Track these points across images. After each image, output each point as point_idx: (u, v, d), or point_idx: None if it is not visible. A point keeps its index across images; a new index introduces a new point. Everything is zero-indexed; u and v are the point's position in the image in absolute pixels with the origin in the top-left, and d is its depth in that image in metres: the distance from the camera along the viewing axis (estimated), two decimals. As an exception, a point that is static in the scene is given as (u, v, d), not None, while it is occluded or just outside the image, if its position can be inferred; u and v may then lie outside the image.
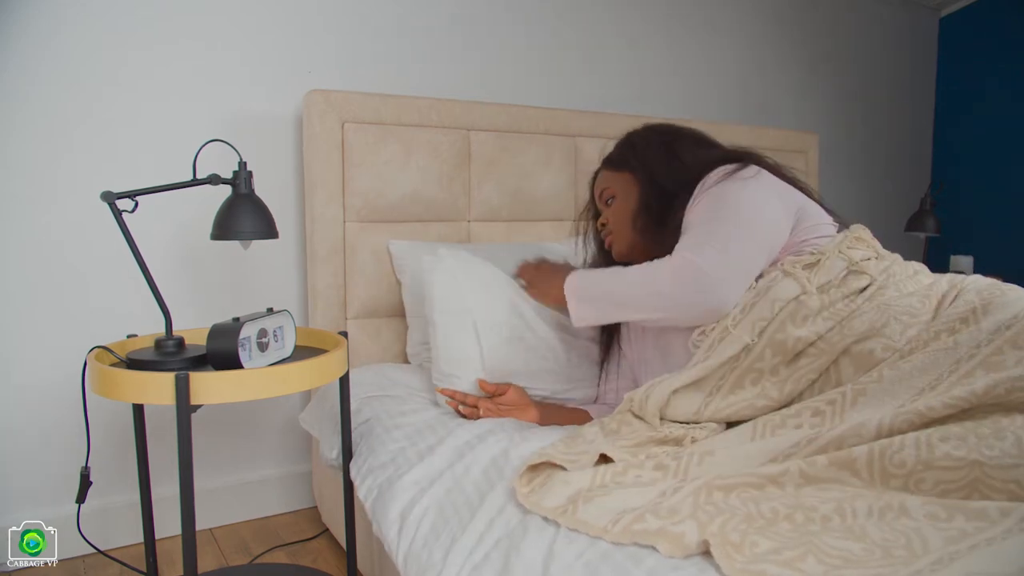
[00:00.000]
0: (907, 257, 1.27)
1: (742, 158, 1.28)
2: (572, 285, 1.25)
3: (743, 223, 1.15)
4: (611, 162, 1.41)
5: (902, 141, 3.19)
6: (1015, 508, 0.74)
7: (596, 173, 1.46)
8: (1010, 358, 0.93)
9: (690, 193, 1.25)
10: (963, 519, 0.75)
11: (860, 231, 1.24)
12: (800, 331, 1.07)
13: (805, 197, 1.27)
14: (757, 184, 1.21)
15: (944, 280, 1.17)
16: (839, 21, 2.89)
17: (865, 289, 1.13)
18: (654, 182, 1.31)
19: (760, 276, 1.16)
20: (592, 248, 1.49)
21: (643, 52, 2.39)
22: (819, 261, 1.14)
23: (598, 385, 1.48)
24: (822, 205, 1.29)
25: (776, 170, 1.29)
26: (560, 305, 1.30)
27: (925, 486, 0.83)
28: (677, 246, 1.17)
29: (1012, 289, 1.09)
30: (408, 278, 1.68)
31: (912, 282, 1.16)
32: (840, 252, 1.16)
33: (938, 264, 2.97)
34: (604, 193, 1.40)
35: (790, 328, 1.07)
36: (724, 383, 1.10)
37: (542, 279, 1.36)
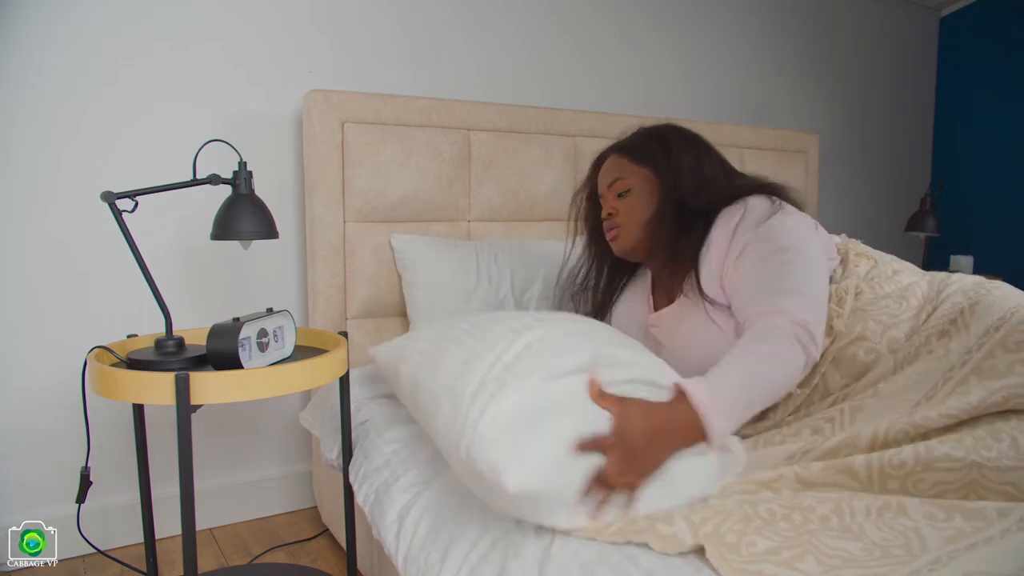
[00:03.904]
0: (907, 257, 1.27)
1: (776, 190, 1.22)
2: (710, 409, 0.89)
3: (812, 262, 1.11)
4: (631, 152, 1.31)
5: (902, 141, 3.19)
6: (1013, 508, 0.75)
7: (604, 155, 1.37)
8: (1002, 362, 0.94)
9: (710, 217, 1.20)
10: (961, 519, 0.76)
11: (857, 246, 1.25)
12: None
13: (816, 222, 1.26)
14: (803, 218, 1.19)
15: (924, 281, 1.18)
16: (839, 21, 2.89)
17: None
18: (678, 192, 1.24)
19: None
20: (584, 229, 1.44)
21: (643, 52, 2.39)
22: (844, 297, 1.15)
23: None
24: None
25: (794, 201, 1.25)
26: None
27: (923, 486, 0.83)
28: (768, 302, 1.05)
29: (997, 287, 1.09)
30: (410, 273, 1.68)
31: (891, 283, 1.17)
32: (858, 277, 1.18)
33: (938, 264, 2.96)
34: (617, 183, 1.30)
35: None
36: None
37: (636, 444, 0.86)
